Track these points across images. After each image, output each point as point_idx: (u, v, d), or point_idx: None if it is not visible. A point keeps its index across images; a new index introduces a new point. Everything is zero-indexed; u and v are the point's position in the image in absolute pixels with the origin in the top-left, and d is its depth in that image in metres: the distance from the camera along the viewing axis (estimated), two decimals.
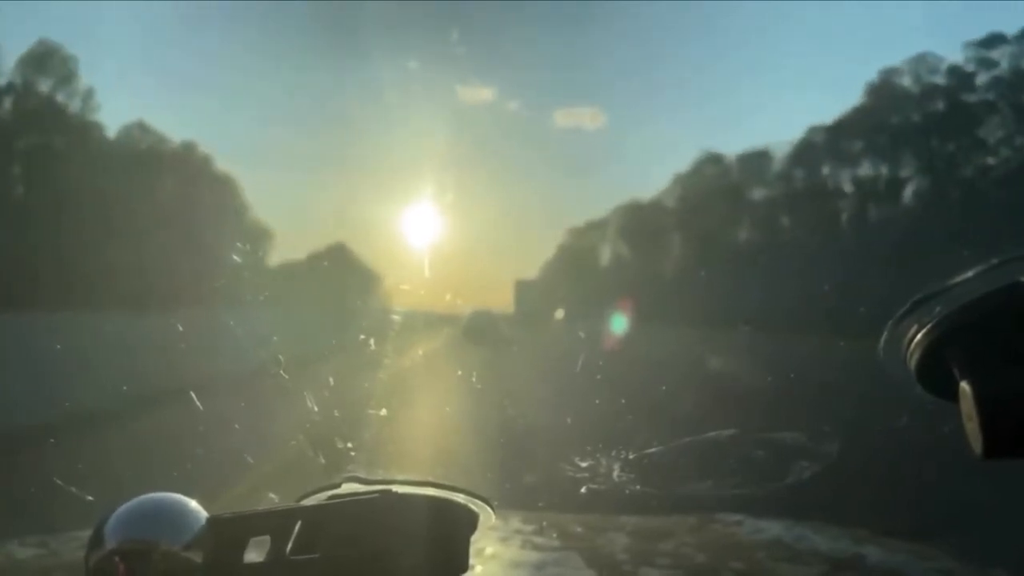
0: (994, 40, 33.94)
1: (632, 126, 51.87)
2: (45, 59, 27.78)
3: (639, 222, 47.51)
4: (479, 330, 21.68)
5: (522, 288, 42.52)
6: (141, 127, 30.68)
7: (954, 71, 35.38)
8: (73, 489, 1.57)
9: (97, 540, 0.64)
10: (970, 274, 0.60)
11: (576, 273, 45.44)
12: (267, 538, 0.69)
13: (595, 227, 50.37)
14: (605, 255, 50.07)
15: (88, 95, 28.76)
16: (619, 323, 18.87)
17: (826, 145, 39.02)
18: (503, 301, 40.24)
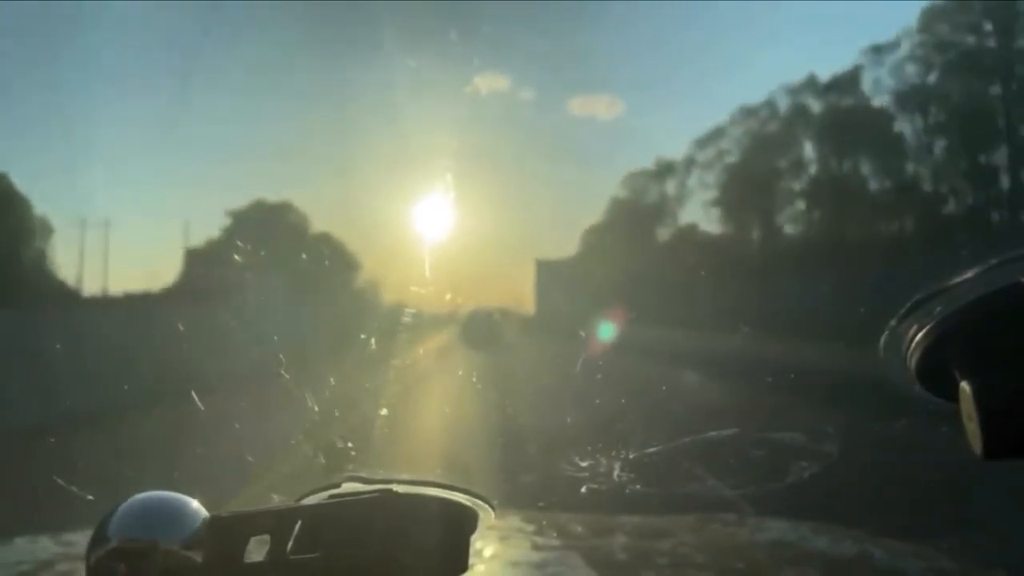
0: None
1: (650, 113, 45.90)
2: None
3: (748, 155, 28.99)
4: (477, 333, 19.34)
5: (547, 272, 29.77)
6: None
7: None
8: (74, 488, 1.57)
9: (98, 538, 0.64)
10: (970, 274, 0.60)
11: (630, 246, 29.92)
12: (267, 537, 0.70)
13: (670, 169, 31.37)
14: (683, 214, 32.02)
15: None
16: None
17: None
18: (521, 295, 31.34)
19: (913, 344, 0.64)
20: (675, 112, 45.84)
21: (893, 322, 0.65)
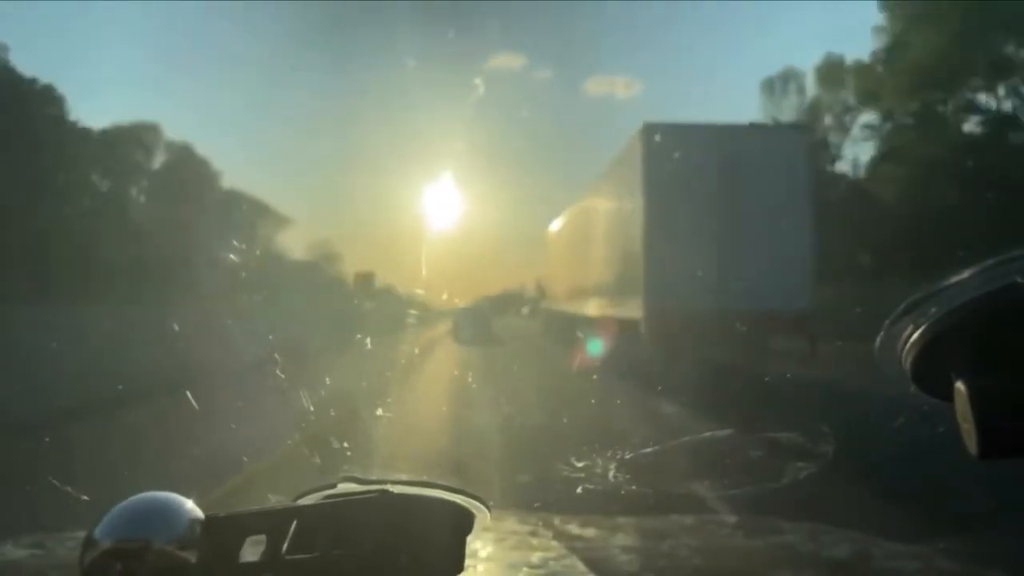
0: None
1: (669, 93, 42.27)
2: None
3: None
4: (468, 329, 20.72)
5: (669, 147, 10.85)
6: None
7: None
8: (68, 488, 1.56)
9: (92, 539, 0.64)
10: (966, 274, 0.60)
11: None
12: (263, 537, 0.69)
13: None
14: None
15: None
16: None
17: None
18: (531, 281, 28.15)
19: (908, 344, 0.64)
20: (694, 91, 43.10)
21: (888, 322, 0.65)
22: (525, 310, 31.80)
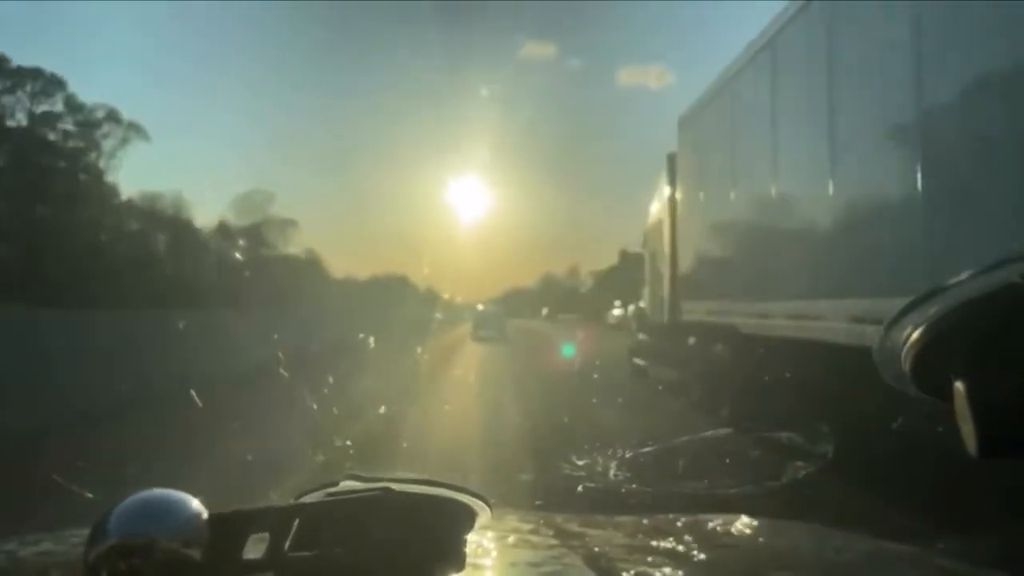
0: None
1: (703, 84, 42.39)
2: None
3: None
4: (484, 330, 25.74)
5: None
6: None
7: None
8: (73, 487, 1.57)
9: (97, 536, 0.65)
10: (965, 275, 0.60)
11: None
12: (266, 535, 0.70)
13: None
14: None
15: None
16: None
17: None
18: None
19: (908, 344, 0.64)
20: None
21: (888, 323, 0.65)
22: (545, 311, 33.71)
